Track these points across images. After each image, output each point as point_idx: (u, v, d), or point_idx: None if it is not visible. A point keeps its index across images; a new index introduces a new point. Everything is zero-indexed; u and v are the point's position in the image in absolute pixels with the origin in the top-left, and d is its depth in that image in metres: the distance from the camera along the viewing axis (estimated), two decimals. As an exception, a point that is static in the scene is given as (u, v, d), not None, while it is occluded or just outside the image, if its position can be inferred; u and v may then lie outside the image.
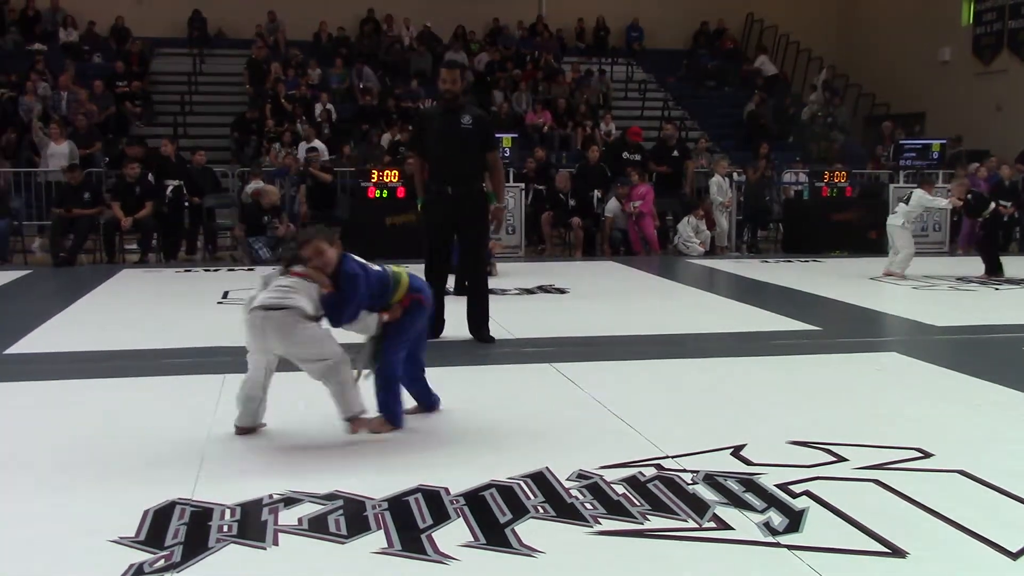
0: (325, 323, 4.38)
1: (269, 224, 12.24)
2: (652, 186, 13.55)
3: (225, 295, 9.24)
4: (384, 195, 12.69)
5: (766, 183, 14.54)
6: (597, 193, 13.74)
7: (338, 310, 4.33)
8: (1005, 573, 3.06)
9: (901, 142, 14.99)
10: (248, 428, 4.52)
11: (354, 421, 4.35)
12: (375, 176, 12.79)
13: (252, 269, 11.39)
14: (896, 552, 3.19)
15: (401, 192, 12.43)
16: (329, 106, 16.91)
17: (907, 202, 10.86)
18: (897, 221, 10.84)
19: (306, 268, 4.34)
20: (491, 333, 6.81)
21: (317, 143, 14.47)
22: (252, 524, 3.40)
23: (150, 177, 12.64)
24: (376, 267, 4.49)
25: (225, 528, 3.36)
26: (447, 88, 6.72)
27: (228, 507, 3.54)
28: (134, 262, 12.29)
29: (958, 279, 10.55)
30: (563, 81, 19.21)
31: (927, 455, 4.20)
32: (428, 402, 4.87)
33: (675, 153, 14.44)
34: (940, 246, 14.09)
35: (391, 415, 4.51)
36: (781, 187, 14.79)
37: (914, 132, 17.69)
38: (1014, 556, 3.16)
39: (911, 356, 6.37)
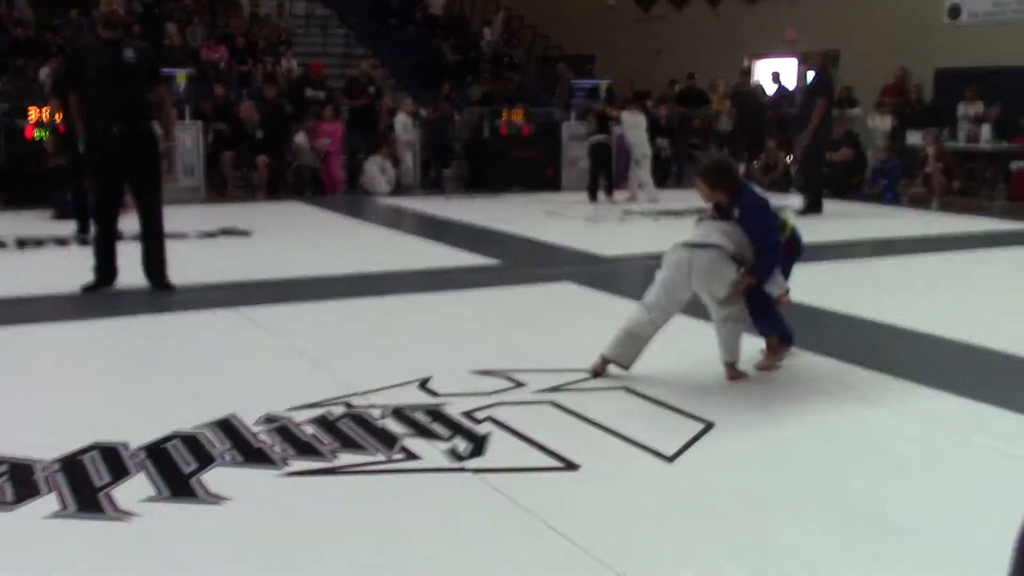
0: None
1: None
2: (341, 125, 13.41)
3: None
4: (44, 135, 11.63)
5: (448, 122, 14.81)
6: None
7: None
8: (663, 475, 3.39)
9: (572, 83, 15.77)
10: (613, 363, 4.52)
11: (732, 368, 4.47)
12: (33, 114, 11.69)
13: None
14: (570, 466, 3.44)
15: (64, 131, 11.44)
16: (-26, 36, 15.20)
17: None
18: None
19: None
20: (170, 279, 6.52)
21: None
22: (-101, 500, 3.08)
23: None
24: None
25: None
26: (111, 10, 6.23)
27: None
28: None
29: (624, 212, 11.35)
30: (240, 15, 18.42)
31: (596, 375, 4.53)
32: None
33: (371, 90, 14.34)
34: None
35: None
36: (462, 125, 15.12)
37: (585, 72, 18.64)
38: (670, 459, 3.51)
39: (583, 285, 6.82)
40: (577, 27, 21.08)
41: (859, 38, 15.87)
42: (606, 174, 12.59)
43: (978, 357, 5.00)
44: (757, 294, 4.54)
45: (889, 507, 3.14)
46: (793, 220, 4.81)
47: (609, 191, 12.48)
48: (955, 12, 15.08)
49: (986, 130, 13.39)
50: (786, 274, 4.72)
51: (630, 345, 4.51)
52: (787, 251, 4.68)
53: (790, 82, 15.99)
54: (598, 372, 4.52)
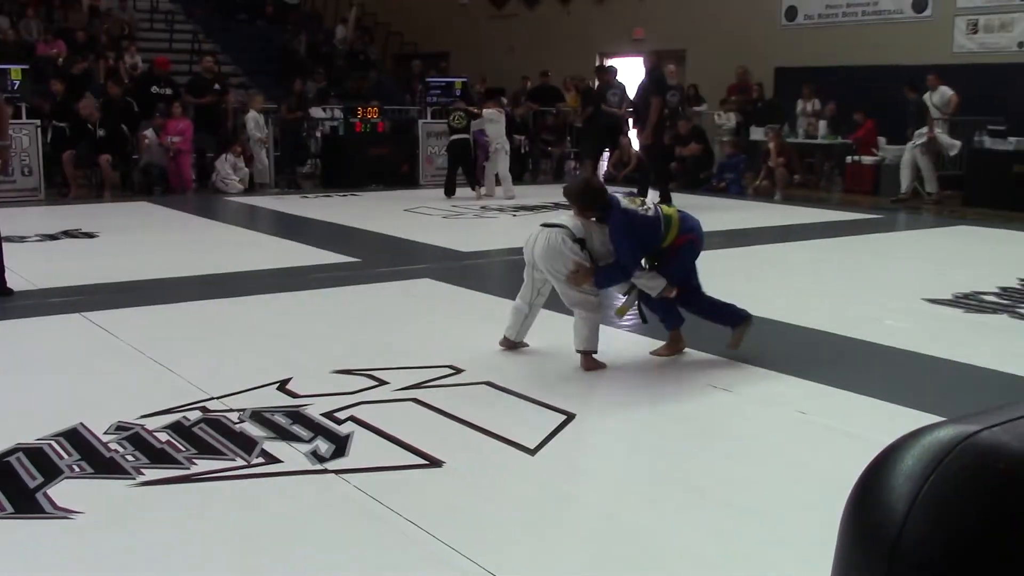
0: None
1: None
2: (192, 122, 13.00)
3: None
4: None
5: (302, 119, 14.56)
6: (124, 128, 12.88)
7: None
8: (526, 467, 3.44)
9: (428, 80, 15.75)
10: (510, 342, 4.89)
11: (586, 357, 4.59)
12: None
13: None
14: (434, 463, 3.44)
15: None
16: None
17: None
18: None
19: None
20: (8, 285, 6.20)
21: None
22: None
23: None
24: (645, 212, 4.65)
25: None
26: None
27: None
28: None
29: (481, 207, 11.43)
30: (79, 9, 17.65)
31: (458, 371, 4.55)
32: (735, 318, 4.89)
33: (217, 87, 13.94)
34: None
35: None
36: (317, 122, 14.90)
37: (441, 70, 18.66)
38: (532, 452, 3.56)
39: (442, 280, 6.83)
40: (432, 25, 21.08)
41: (703, 38, 16.42)
42: (466, 170, 12.63)
43: (821, 341, 5.26)
44: (647, 297, 4.75)
45: (737, 487, 3.27)
46: (676, 213, 4.78)
47: (473, 185, 12.54)
48: (791, 14, 15.78)
49: (822, 126, 14.07)
50: (688, 268, 4.78)
51: (512, 318, 4.92)
52: (685, 244, 4.70)
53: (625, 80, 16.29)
54: (503, 346, 4.96)
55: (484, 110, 12.56)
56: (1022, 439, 0.64)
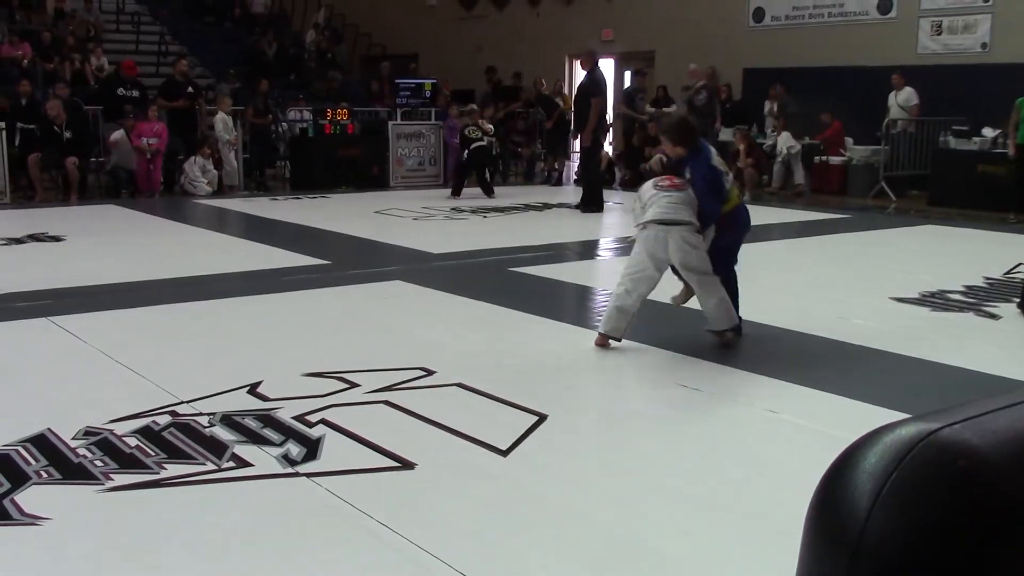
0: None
1: None
2: (166, 124, 12.88)
3: None
4: None
5: (271, 120, 14.47)
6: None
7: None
8: (498, 468, 3.44)
9: (397, 81, 15.70)
10: (610, 337, 4.87)
11: (722, 335, 4.84)
12: None
13: None
14: (406, 465, 3.44)
15: None
16: None
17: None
18: None
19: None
20: (-26, 290, 6.13)
21: None
22: None
23: None
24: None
25: None
26: None
27: None
28: None
29: (452, 209, 11.42)
30: (43, 10, 17.47)
31: (429, 372, 4.55)
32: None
33: (190, 89, 13.83)
34: (436, 178, 14.96)
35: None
36: (286, 124, 14.82)
37: (409, 71, 18.60)
38: (504, 453, 3.57)
39: (413, 282, 6.82)
40: (400, 26, 21.02)
41: (672, 39, 16.49)
42: (482, 175, 12.81)
43: (790, 340, 5.30)
44: None
45: (707, 486, 3.30)
46: (738, 199, 5.10)
47: (488, 191, 12.67)
48: (759, 15, 15.88)
49: (791, 126, 14.16)
50: (735, 249, 5.13)
51: (620, 319, 4.89)
52: (730, 222, 5.00)
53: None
54: (600, 345, 4.95)
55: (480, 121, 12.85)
56: (983, 436, 0.65)
